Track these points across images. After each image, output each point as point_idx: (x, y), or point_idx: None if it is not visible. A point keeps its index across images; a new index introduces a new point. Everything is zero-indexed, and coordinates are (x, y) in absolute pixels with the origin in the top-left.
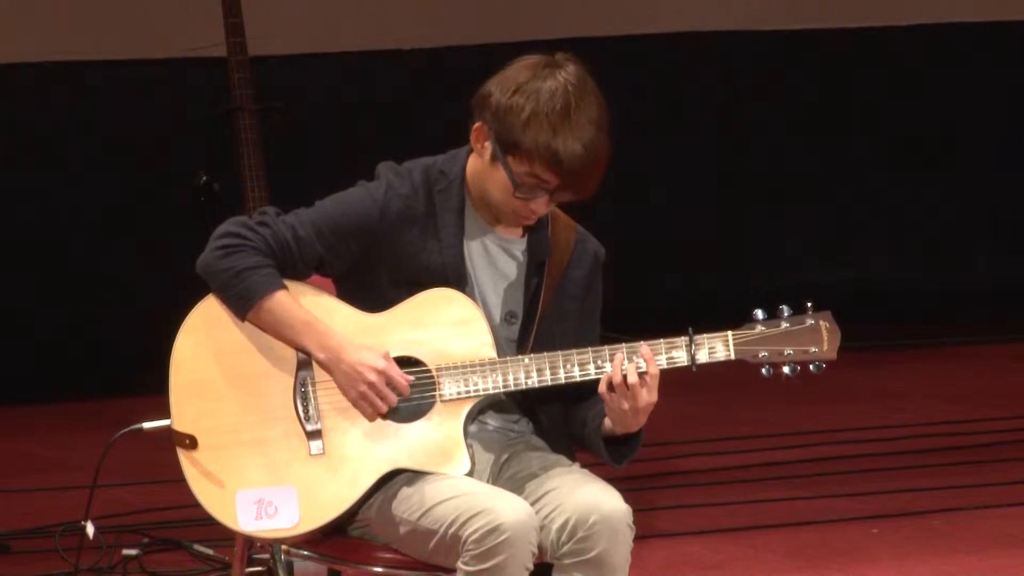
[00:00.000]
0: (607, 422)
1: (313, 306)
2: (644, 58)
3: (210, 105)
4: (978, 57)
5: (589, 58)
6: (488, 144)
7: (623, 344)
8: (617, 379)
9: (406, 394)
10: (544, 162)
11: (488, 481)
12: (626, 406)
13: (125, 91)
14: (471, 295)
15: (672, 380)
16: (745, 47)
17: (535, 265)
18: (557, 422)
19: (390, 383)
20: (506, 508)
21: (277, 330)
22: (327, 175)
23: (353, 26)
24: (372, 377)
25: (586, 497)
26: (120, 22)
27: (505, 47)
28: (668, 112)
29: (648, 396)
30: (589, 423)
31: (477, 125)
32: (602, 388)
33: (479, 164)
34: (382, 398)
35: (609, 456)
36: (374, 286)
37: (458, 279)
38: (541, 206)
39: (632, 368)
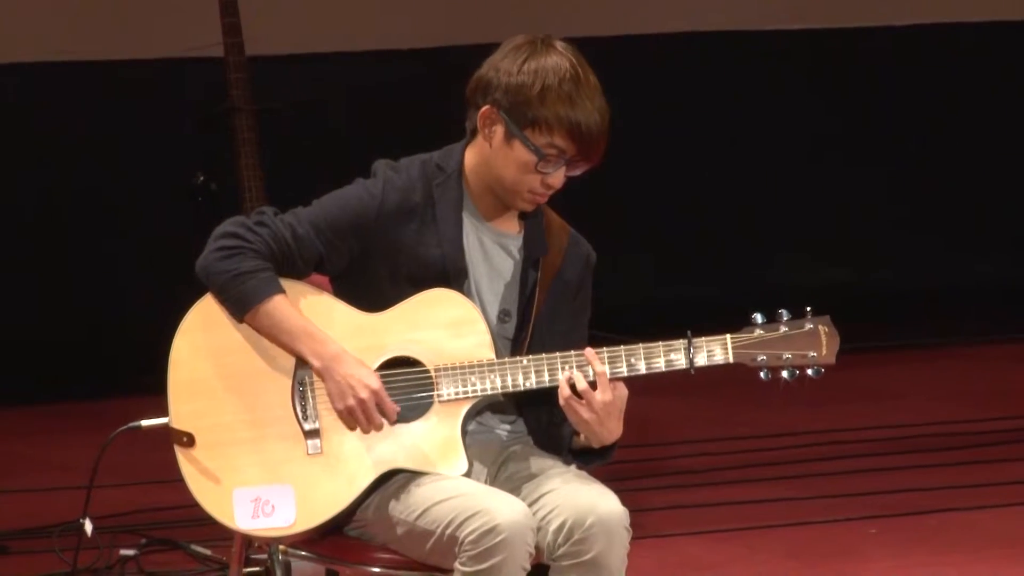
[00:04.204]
0: (581, 436)
1: (311, 306)
2: (644, 58)
3: (207, 105)
4: (978, 56)
5: (590, 58)
6: (498, 127)
7: (621, 347)
8: (566, 392)
9: (391, 421)
10: (564, 131)
11: (486, 482)
12: (586, 415)
13: (122, 91)
14: (468, 289)
15: (669, 380)
16: (745, 47)
17: (531, 262)
18: (543, 419)
19: (379, 405)
20: (503, 509)
21: (274, 335)
22: (324, 175)
23: (350, 26)
24: (364, 394)
25: (583, 499)
26: (117, 22)
27: None
28: (668, 112)
29: (603, 396)
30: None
31: (485, 109)
32: (561, 402)
33: (485, 151)
34: (368, 418)
35: (576, 458)
36: (373, 283)
37: (457, 272)
38: (558, 179)
39: (580, 376)
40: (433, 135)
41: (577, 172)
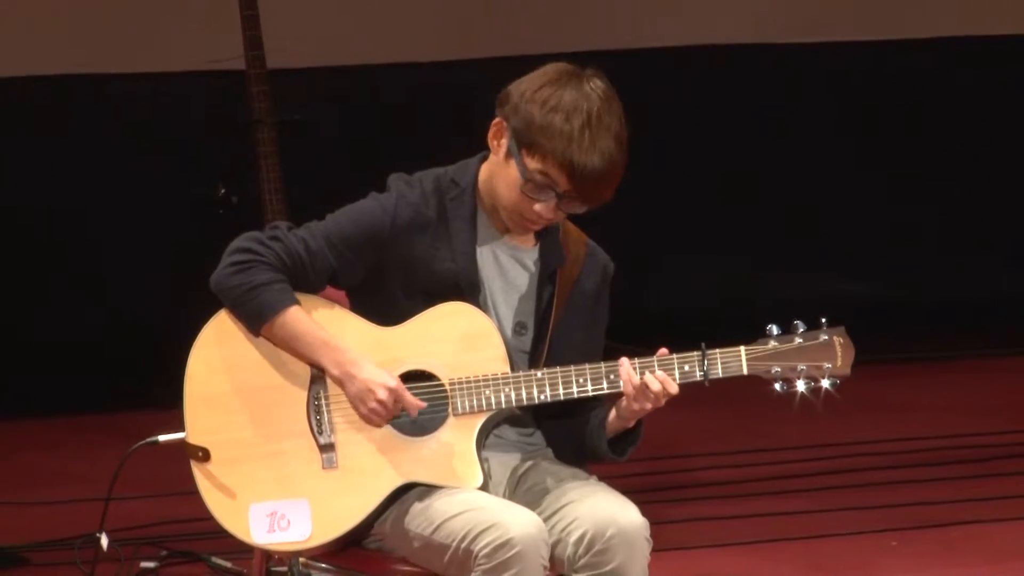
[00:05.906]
0: (611, 417)
1: (325, 320)
2: (651, 71)
3: (229, 118)
4: (991, 70)
5: (599, 70)
6: (504, 140)
7: (636, 359)
8: (636, 381)
9: (414, 414)
10: (557, 163)
11: (504, 494)
12: (649, 407)
13: (145, 103)
14: (483, 303)
15: (688, 393)
16: (751, 59)
17: (547, 274)
18: (562, 429)
19: (400, 402)
20: (516, 522)
21: (291, 346)
22: (344, 187)
23: (371, 39)
24: (383, 395)
25: (603, 510)
26: (140, 35)
27: (522, 60)
28: (676, 123)
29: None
30: (592, 420)
31: (496, 120)
32: (627, 391)
33: (492, 164)
34: (392, 417)
35: (612, 451)
36: (387, 296)
37: (470, 286)
38: (547, 210)
39: (652, 377)
40: (454, 148)
41: (574, 210)
